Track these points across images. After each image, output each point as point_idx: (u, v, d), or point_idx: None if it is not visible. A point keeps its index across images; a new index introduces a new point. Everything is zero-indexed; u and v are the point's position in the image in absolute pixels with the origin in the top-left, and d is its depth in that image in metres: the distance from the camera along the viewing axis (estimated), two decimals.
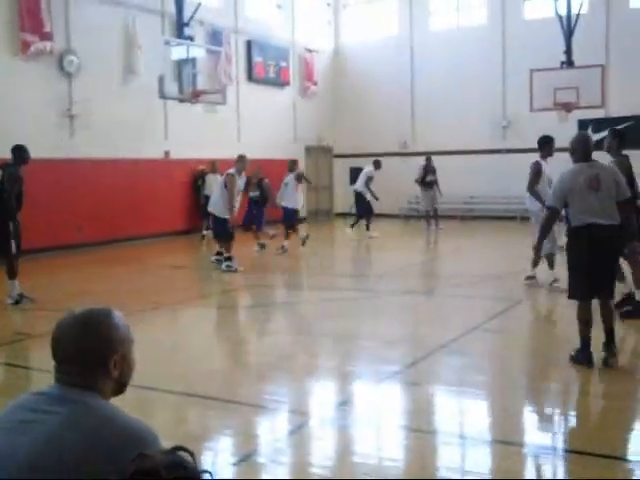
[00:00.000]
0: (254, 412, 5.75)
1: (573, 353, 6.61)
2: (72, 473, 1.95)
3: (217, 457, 4.92)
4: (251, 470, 4.63)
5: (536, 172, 10.67)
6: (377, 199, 19.55)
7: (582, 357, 6.50)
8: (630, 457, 4.77)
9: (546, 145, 10.90)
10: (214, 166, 19.09)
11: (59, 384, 2.18)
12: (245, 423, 5.53)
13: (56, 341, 2.22)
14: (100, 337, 2.21)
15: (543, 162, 10.82)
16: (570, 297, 6.70)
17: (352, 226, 19.38)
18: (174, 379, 6.78)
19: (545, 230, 7.05)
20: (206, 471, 1.69)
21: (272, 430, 5.46)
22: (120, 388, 2.30)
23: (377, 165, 19.74)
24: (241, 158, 13.66)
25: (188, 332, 9.16)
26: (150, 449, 1.95)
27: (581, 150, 6.76)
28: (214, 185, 18.60)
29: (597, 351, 6.51)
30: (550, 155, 10.89)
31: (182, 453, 1.71)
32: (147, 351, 8.08)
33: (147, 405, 5.97)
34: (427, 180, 21.07)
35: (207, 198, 18.26)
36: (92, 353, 2.19)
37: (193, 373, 7.12)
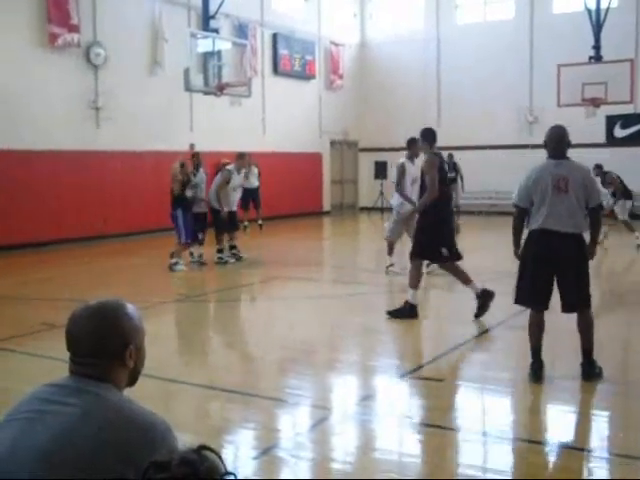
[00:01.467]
0: (275, 406, 5.75)
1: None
2: (87, 464, 1.95)
3: (238, 451, 4.92)
4: (271, 464, 4.63)
5: (401, 173, 11.53)
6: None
7: (529, 372, 6.10)
8: None
9: (412, 145, 11.56)
10: (248, 159, 19.08)
11: (74, 375, 2.19)
12: (266, 417, 5.53)
13: (71, 333, 2.23)
14: (115, 328, 2.22)
15: (408, 162, 11.64)
16: (515, 302, 6.32)
17: None
18: (195, 372, 6.80)
19: (515, 230, 6.27)
20: (230, 472, 1.67)
21: (293, 424, 5.46)
22: (134, 378, 2.31)
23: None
24: (241, 156, 13.77)
25: (210, 325, 9.19)
26: (164, 440, 2.00)
27: (552, 145, 6.14)
28: (251, 177, 18.69)
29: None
30: (416, 155, 11.49)
31: (207, 453, 1.68)
32: (168, 343, 8.13)
33: (169, 398, 5.99)
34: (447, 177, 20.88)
35: (247, 190, 18.12)
36: (108, 344, 2.20)
37: (214, 366, 7.14)
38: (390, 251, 12.21)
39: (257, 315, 9.96)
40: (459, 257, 8.89)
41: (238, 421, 5.42)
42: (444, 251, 8.64)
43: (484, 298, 8.62)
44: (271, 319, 9.47)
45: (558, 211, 5.91)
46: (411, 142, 11.72)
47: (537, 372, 6.09)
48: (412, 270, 8.82)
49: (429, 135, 8.80)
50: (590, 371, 6.09)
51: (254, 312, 10.24)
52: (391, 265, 12.13)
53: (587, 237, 6.14)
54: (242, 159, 13.92)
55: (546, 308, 6.13)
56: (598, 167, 16.67)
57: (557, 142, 6.11)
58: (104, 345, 2.19)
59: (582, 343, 6.13)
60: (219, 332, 8.72)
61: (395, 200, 11.98)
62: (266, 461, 4.65)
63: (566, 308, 6.11)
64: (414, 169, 11.36)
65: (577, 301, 6.07)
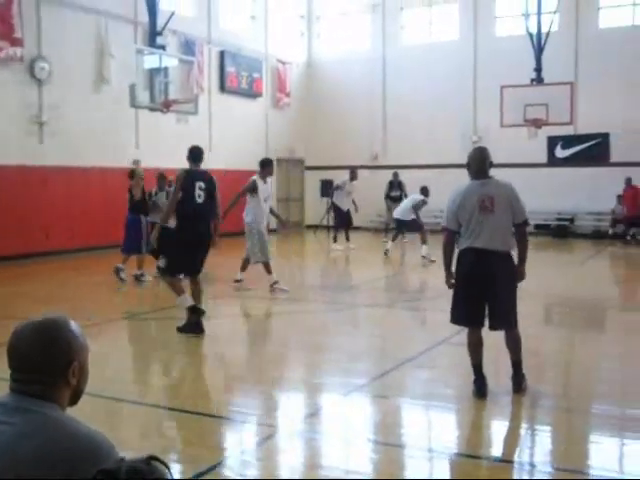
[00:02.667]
0: (220, 424, 5.72)
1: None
2: None
3: (183, 469, 4.87)
4: None
5: (249, 188, 12.03)
6: (344, 210, 19.68)
7: (473, 388, 6.17)
8: (593, 472, 4.80)
9: (266, 166, 12.23)
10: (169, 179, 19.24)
11: (15, 394, 2.13)
12: (211, 435, 5.50)
13: (13, 349, 2.16)
14: (60, 344, 2.16)
15: (260, 181, 12.13)
16: (450, 321, 6.38)
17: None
18: (140, 390, 6.73)
19: (445, 254, 6.30)
20: None
21: (239, 442, 5.43)
22: (77, 397, 2.26)
23: (352, 175, 19.67)
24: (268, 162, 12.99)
25: (156, 343, 9.09)
26: (107, 460, 1.95)
27: (475, 166, 6.21)
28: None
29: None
30: (270, 175, 12.35)
31: (156, 464, 1.69)
32: (113, 362, 8.02)
33: (113, 416, 5.91)
34: (392, 195, 21.46)
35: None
36: (51, 361, 2.14)
37: (159, 385, 7.07)
38: (268, 271, 12.27)
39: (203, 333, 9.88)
40: (172, 272, 8.99)
41: (183, 440, 5.38)
42: (161, 262, 8.97)
43: (193, 314, 8.73)
44: (217, 337, 9.42)
45: (485, 230, 5.98)
46: (266, 162, 12.34)
47: (480, 388, 6.16)
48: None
49: (190, 153, 9.18)
50: (521, 383, 6.23)
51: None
52: (275, 282, 12.15)
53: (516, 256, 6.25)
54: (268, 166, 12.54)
55: (482, 326, 6.20)
56: None
57: (480, 163, 6.21)
58: (47, 362, 2.13)
59: (511, 357, 6.26)
60: (165, 350, 8.63)
61: (249, 217, 12.20)
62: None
63: (492, 327, 6.21)
64: (266, 187, 12.24)
65: (503, 322, 6.18)
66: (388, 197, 21.72)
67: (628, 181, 21.91)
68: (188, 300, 8.73)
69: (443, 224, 6.34)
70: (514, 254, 6.20)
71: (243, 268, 12.62)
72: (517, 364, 6.26)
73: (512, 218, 6.06)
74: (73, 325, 2.24)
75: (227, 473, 4.77)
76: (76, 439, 2.02)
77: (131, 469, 1.65)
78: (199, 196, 8.75)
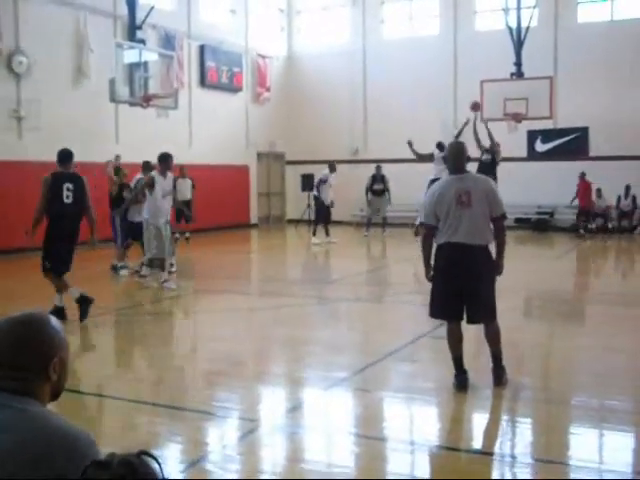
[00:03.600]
0: (202, 419, 5.72)
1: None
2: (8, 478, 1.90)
3: (165, 464, 4.86)
4: (199, 477, 4.60)
5: (148, 184, 12.05)
6: (328, 204, 19.72)
7: (454, 382, 6.22)
8: (573, 463, 4.84)
9: (163, 161, 12.16)
10: (183, 171, 19.25)
11: None
12: (193, 430, 5.50)
13: None
14: (41, 340, 2.15)
15: (160, 177, 12.10)
16: (430, 315, 6.44)
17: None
18: (121, 386, 6.71)
19: (424, 248, 6.35)
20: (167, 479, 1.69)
21: (221, 437, 5.43)
22: (57, 393, 2.25)
23: (332, 168, 19.75)
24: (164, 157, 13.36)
25: (136, 338, 9.07)
26: (88, 454, 1.95)
27: (452, 161, 6.26)
28: (184, 189, 18.83)
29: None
30: (169, 169, 12.28)
31: (147, 458, 1.70)
32: (94, 357, 8.01)
33: (94, 412, 5.90)
34: (374, 188, 21.81)
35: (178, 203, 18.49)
36: (32, 357, 2.13)
37: (140, 380, 7.06)
38: (162, 267, 12.17)
39: (184, 328, 9.88)
40: (58, 271, 9.18)
41: (165, 435, 5.37)
42: (47, 264, 9.18)
43: (84, 304, 9.15)
44: (198, 332, 9.42)
45: (463, 224, 6.00)
46: (165, 157, 12.21)
47: (461, 382, 6.20)
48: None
49: (57, 156, 9.46)
50: (502, 375, 6.26)
51: (181, 325, 10.16)
52: (165, 281, 12.03)
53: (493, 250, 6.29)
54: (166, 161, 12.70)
55: (460, 319, 6.23)
56: None
57: (457, 157, 6.24)
58: (28, 358, 2.12)
59: (491, 350, 6.30)
60: (145, 345, 8.62)
61: (145, 213, 12.14)
62: (194, 474, 4.62)
63: (470, 320, 6.26)
64: (165, 183, 12.17)
65: (482, 315, 6.21)
66: (370, 190, 21.95)
67: (582, 175, 22.16)
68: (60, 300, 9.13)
69: (421, 219, 6.37)
70: (492, 248, 6.24)
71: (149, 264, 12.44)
72: (497, 356, 6.29)
73: (489, 212, 6.08)
74: (53, 321, 2.23)
75: (209, 468, 4.77)
76: (56, 434, 2.01)
77: (123, 461, 1.67)
78: (67, 197, 8.99)
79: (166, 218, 12.14)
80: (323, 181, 19.65)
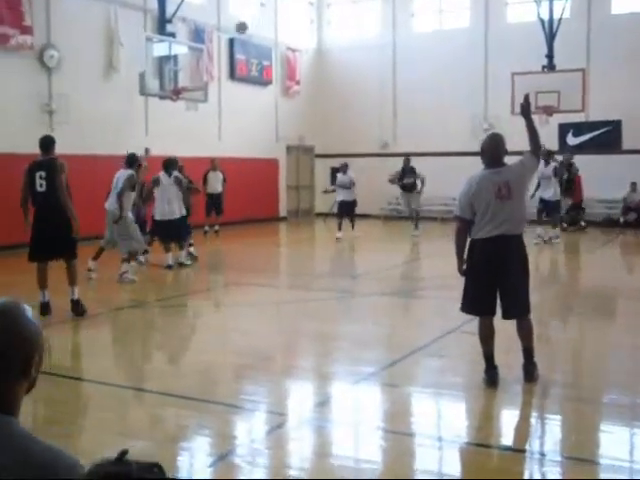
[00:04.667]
0: (231, 412, 5.72)
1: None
2: None
3: (193, 458, 4.89)
4: (227, 471, 4.60)
5: (132, 185, 12.25)
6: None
7: (485, 378, 6.16)
8: (603, 461, 4.78)
9: (136, 162, 12.73)
10: (214, 163, 19.51)
11: None
12: (221, 423, 5.50)
13: None
14: (20, 336, 1.83)
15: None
16: (461, 310, 6.36)
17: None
18: (150, 378, 6.74)
19: (458, 242, 6.27)
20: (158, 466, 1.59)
21: (249, 431, 5.43)
22: (31, 387, 1.92)
23: (343, 169, 19.74)
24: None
25: (164, 331, 9.11)
26: (70, 477, 1.74)
27: (489, 154, 6.14)
28: (215, 182, 19.19)
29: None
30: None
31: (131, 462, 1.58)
32: (123, 350, 8.05)
33: (123, 405, 5.92)
34: (404, 182, 20.04)
35: (210, 196, 18.93)
36: (13, 354, 1.82)
37: (169, 372, 7.09)
38: (129, 260, 12.27)
39: (213, 321, 9.90)
40: (39, 259, 9.23)
41: (193, 428, 5.38)
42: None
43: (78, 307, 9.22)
44: (227, 325, 9.43)
45: (502, 218, 5.94)
46: (136, 159, 12.88)
47: (492, 377, 6.15)
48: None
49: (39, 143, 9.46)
50: (533, 372, 6.18)
51: (210, 318, 10.18)
52: (125, 272, 12.07)
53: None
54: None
55: (493, 315, 6.18)
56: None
57: (494, 151, 6.14)
58: (7, 360, 1.81)
59: (523, 345, 6.23)
60: (175, 338, 8.65)
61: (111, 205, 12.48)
62: (222, 468, 4.63)
63: (506, 316, 6.20)
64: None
65: (519, 310, 6.16)
66: (400, 185, 20.20)
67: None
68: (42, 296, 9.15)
69: (456, 213, 6.28)
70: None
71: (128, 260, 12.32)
72: (529, 352, 6.22)
73: (529, 170, 6.16)
74: (27, 309, 1.91)
75: (237, 461, 4.78)
76: (29, 461, 1.74)
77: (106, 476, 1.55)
78: (40, 185, 9.04)
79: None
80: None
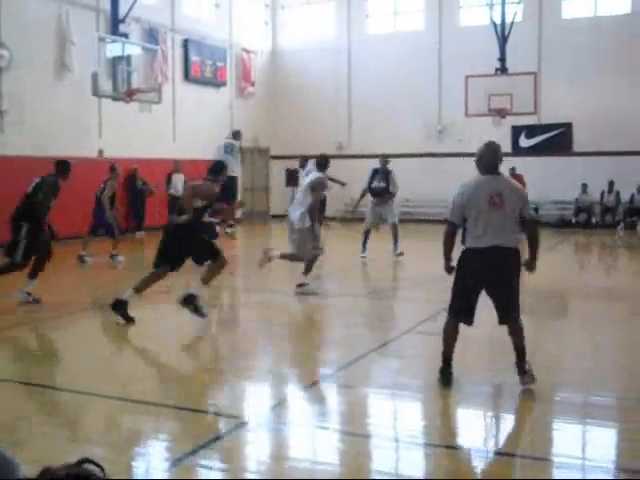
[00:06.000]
0: (187, 416, 5.67)
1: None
2: None
3: (149, 462, 4.83)
4: (183, 475, 4.56)
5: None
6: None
7: (439, 378, 6.21)
8: (557, 459, 4.84)
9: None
10: (177, 166, 19.53)
11: None
12: (177, 427, 5.45)
13: None
14: None
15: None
16: (448, 313, 6.36)
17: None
18: (106, 383, 6.64)
19: (446, 245, 6.28)
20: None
21: (205, 434, 5.38)
22: None
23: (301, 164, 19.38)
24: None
25: (121, 335, 9.00)
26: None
27: (486, 161, 6.12)
28: (178, 184, 19.17)
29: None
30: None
31: (90, 466, 1.60)
32: (77, 355, 7.93)
33: (78, 410, 5.83)
34: (373, 186, 15.56)
35: (173, 197, 18.91)
36: None
37: (125, 377, 6.99)
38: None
39: (168, 323, 9.81)
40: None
41: (149, 432, 5.32)
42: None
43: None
44: (183, 327, 9.36)
45: (494, 227, 5.93)
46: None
47: (446, 378, 6.19)
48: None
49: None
50: (526, 367, 6.15)
51: (165, 320, 10.08)
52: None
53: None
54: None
55: (471, 323, 6.26)
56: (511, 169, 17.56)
57: (491, 158, 6.13)
58: None
59: (514, 344, 6.20)
60: (129, 341, 8.55)
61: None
62: (178, 472, 4.58)
63: (502, 321, 6.22)
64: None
65: (513, 315, 6.17)
66: (369, 190, 15.71)
67: (512, 170, 22.25)
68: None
69: (447, 216, 6.31)
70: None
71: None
72: (521, 350, 6.18)
73: (520, 213, 6.03)
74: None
75: (193, 465, 4.73)
76: None
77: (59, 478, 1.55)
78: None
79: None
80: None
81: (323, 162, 11.71)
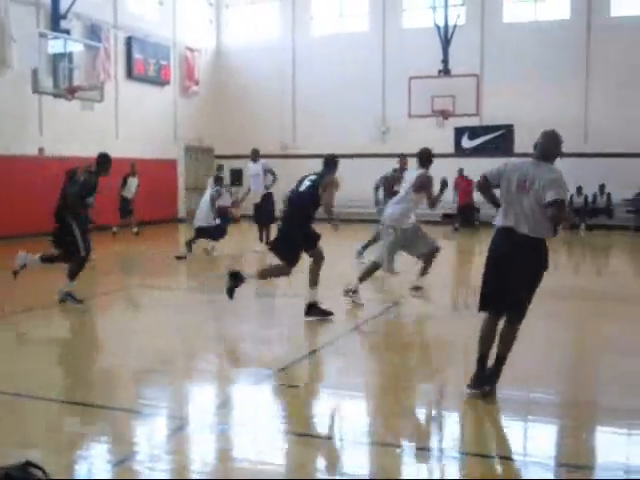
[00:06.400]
0: (130, 417, 5.62)
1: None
2: None
3: (91, 465, 4.77)
4: (125, 476, 4.52)
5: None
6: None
7: (471, 380, 5.91)
8: (499, 456, 4.92)
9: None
10: (135, 169, 19.46)
11: None
12: (120, 429, 5.39)
13: None
14: None
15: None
16: (478, 309, 6.01)
17: None
18: (46, 385, 6.54)
19: (485, 195, 6.10)
20: None
21: (148, 435, 5.35)
22: None
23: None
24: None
25: (60, 335, 8.87)
26: None
27: (540, 147, 5.85)
28: (132, 187, 19.09)
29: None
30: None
31: (31, 469, 1.59)
32: (15, 357, 7.79)
33: (17, 413, 5.73)
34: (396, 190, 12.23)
35: (125, 199, 18.85)
36: None
37: (66, 379, 6.90)
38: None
39: (112, 324, 9.69)
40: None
41: (91, 435, 5.26)
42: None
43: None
44: (127, 328, 9.26)
45: (516, 210, 5.68)
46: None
47: (481, 380, 5.89)
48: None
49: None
50: (494, 379, 5.90)
51: (109, 321, 9.96)
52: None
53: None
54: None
55: (496, 315, 5.92)
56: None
57: (544, 144, 5.88)
58: None
59: (498, 349, 5.91)
60: (71, 343, 8.43)
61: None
62: (120, 474, 4.54)
63: (498, 312, 5.94)
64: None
65: (511, 311, 5.85)
66: (388, 193, 14.02)
67: (460, 171, 22.62)
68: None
69: (484, 173, 6.01)
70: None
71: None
72: (501, 358, 5.88)
73: (543, 198, 5.60)
74: None
75: (136, 467, 4.69)
76: None
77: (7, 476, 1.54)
78: None
79: None
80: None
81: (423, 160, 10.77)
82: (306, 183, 9.10)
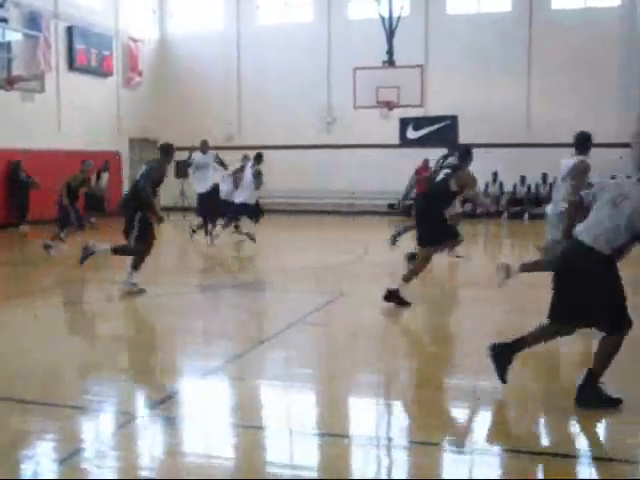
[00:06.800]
0: (75, 414, 5.54)
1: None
2: None
3: (37, 464, 4.69)
4: (71, 474, 4.46)
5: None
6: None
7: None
8: (448, 445, 4.98)
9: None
10: (108, 165, 19.29)
11: None
12: (65, 426, 5.31)
13: None
14: None
15: None
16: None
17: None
18: None
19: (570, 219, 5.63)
20: None
21: (94, 432, 5.28)
22: None
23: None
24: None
25: (4, 332, 8.71)
26: None
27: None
28: (104, 182, 18.85)
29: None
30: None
31: None
32: None
33: None
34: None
35: (94, 197, 18.31)
36: None
37: (8, 375, 6.78)
38: None
39: (55, 319, 9.54)
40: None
41: (35, 432, 5.17)
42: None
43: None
44: (71, 322, 9.14)
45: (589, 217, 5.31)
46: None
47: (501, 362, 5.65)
48: None
49: None
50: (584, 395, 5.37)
51: (52, 316, 9.80)
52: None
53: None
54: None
55: (569, 327, 5.53)
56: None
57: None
58: None
59: (593, 364, 5.37)
60: (12, 338, 8.28)
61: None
62: (66, 472, 4.48)
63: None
64: None
65: (551, 316, 5.45)
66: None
67: (426, 162, 22.73)
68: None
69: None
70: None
71: None
72: (590, 373, 5.34)
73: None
74: None
75: (82, 464, 4.63)
76: None
77: None
78: None
79: None
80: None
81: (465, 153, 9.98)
82: (441, 175, 9.27)
